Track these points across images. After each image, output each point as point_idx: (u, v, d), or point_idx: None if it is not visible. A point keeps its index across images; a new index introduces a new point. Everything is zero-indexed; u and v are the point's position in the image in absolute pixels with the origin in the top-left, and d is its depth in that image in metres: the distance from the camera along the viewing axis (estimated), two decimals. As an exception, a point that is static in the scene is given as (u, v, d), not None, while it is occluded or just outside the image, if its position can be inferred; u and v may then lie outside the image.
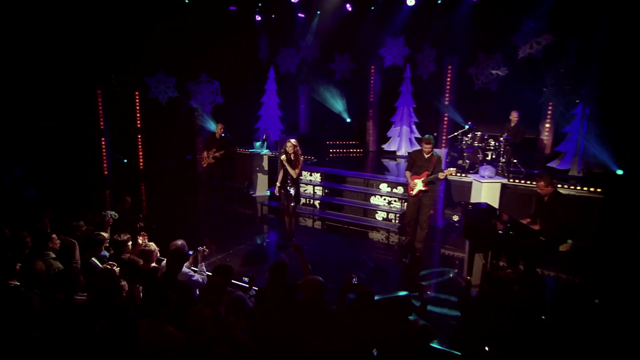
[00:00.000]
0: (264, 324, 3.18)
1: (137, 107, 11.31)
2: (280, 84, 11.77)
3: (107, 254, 4.64)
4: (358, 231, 7.18)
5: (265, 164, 9.44)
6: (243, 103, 11.78)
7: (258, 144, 9.59)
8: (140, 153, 11.52)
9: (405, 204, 7.00)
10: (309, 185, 8.52)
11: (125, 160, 11.38)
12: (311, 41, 11.67)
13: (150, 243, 4.48)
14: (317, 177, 8.74)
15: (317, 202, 8.30)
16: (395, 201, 7.71)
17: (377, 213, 7.70)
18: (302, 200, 8.31)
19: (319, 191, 8.50)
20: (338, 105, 12.45)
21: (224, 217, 8.11)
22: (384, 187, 8.03)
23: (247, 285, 4.10)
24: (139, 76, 10.65)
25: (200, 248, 4.51)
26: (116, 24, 9.62)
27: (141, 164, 11.65)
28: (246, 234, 7.05)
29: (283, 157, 6.12)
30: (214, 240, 6.80)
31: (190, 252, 4.52)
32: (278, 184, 6.17)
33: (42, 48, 8.80)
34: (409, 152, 8.47)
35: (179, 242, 4.37)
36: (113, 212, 5.41)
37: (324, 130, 12.58)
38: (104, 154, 10.79)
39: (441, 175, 5.76)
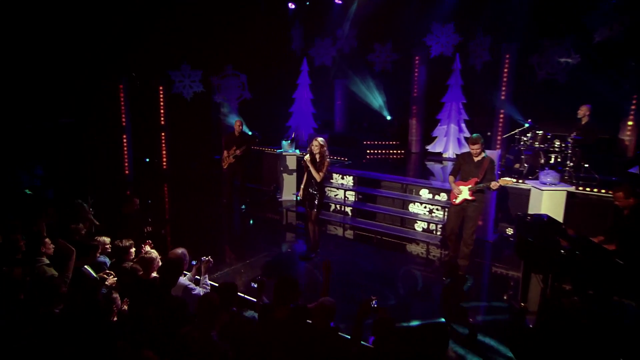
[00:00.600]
0: (263, 351, 2.95)
1: (161, 103, 11.50)
2: (314, 78, 11.76)
3: (107, 260, 4.53)
4: (393, 243, 7.00)
5: (293, 165, 9.33)
6: (273, 99, 11.77)
7: (286, 143, 9.38)
8: (164, 152, 11.70)
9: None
10: (339, 190, 8.40)
11: (148, 160, 11.61)
12: (348, 30, 11.51)
13: (152, 250, 4.33)
14: (349, 180, 8.59)
15: (348, 209, 8.19)
16: (437, 210, 7.48)
17: (416, 223, 7.49)
18: (332, 207, 8.29)
19: (350, 196, 8.36)
20: (377, 101, 12.28)
21: (244, 223, 8.12)
22: (424, 193, 7.80)
23: (257, 290, 3.85)
24: (163, 70, 10.81)
25: (204, 258, 4.37)
26: (139, 14, 9.75)
27: (164, 163, 11.82)
28: (267, 242, 6.99)
29: (307, 157, 5.98)
30: (231, 249, 6.79)
31: (194, 262, 4.42)
32: (302, 187, 6.08)
33: (62, 42, 8.96)
34: (457, 154, 8.26)
35: (179, 250, 4.13)
36: (87, 201, 5.40)
37: (362, 129, 12.66)
38: (125, 152, 11.00)
39: (494, 185, 5.38)
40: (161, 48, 10.34)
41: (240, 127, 8.49)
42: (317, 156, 5.88)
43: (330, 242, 7.01)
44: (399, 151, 11.21)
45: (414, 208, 7.72)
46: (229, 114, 11.14)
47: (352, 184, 8.50)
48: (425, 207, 7.59)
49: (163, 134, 11.66)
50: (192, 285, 4.17)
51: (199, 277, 4.45)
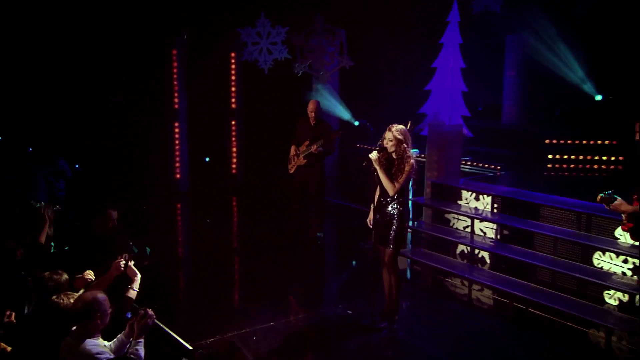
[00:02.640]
0: None
1: (232, 77, 11.93)
2: (469, 34, 11.59)
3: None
4: (555, 323, 6.53)
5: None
6: (390, 69, 11.75)
7: None
8: (234, 149, 12.11)
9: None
10: (468, 219, 8.33)
11: (208, 159, 12.01)
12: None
13: (63, 273, 4.62)
14: (486, 203, 8.30)
15: (485, 254, 8.01)
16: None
17: (607, 291, 6.92)
18: (458, 248, 8.28)
19: (489, 231, 8.19)
20: (577, 71, 11.29)
21: (293, 262, 8.36)
22: (625, 235, 6.96)
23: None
24: (231, 27, 11.11)
25: (142, 310, 4.28)
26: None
27: (234, 164, 12.15)
28: (313, 294, 7.18)
29: (373, 154, 5.86)
30: (252, 300, 7.02)
31: (129, 315, 4.51)
32: (372, 206, 6.15)
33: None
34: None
35: (91, 295, 4.09)
36: (51, 206, 5.75)
37: (553, 117, 12.21)
38: (178, 147, 11.50)
39: None
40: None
41: (317, 111, 8.58)
42: (393, 154, 5.87)
43: (435, 308, 6.92)
44: (614, 160, 10.51)
45: (602, 261, 7.12)
46: (317, 91, 11.25)
47: (491, 209, 8.30)
48: (625, 262, 6.89)
49: (234, 122, 12.07)
50: (100, 349, 4.02)
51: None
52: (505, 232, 7.96)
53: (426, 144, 8.96)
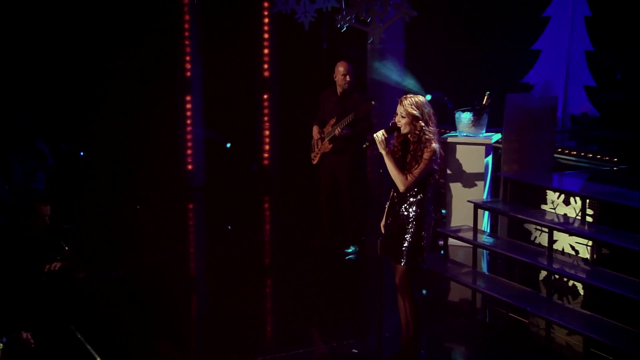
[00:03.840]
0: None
1: (265, 35, 11.72)
2: None
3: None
4: None
5: (476, 166, 9.32)
6: (479, 21, 11.73)
7: (466, 117, 9.29)
8: (266, 132, 12.06)
9: None
10: (550, 230, 8.06)
11: (229, 145, 11.99)
12: None
13: None
14: (577, 208, 8.19)
15: (577, 285, 7.92)
16: None
17: None
18: (543, 273, 8.28)
19: (582, 249, 8.06)
20: None
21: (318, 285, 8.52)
22: None
23: None
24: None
25: (20, 336, 4.73)
26: None
27: (266, 152, 12.02)
28: (322, 328, 7.32)
29: (379, 134, 5.92)
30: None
31: (4, 340, 4.75)
32: (387, 207, 6.34)
33: None
34: None
35: None
36: None
37: None
38: (189, 128, 11.45)
39: None
40: None
41: (348, 77, 8.59)
42: (410, 137, 5.92)
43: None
44: None
45: None
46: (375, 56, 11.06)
47: (582, 217, 8.09)
48: None
49: (266, 96, 11.89)
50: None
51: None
52: (604, 251, 7.70)
53: (503, 125, 8.85)
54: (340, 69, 8.61)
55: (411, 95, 5.97)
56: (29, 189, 9.66)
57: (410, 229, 5.91)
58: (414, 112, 5.80)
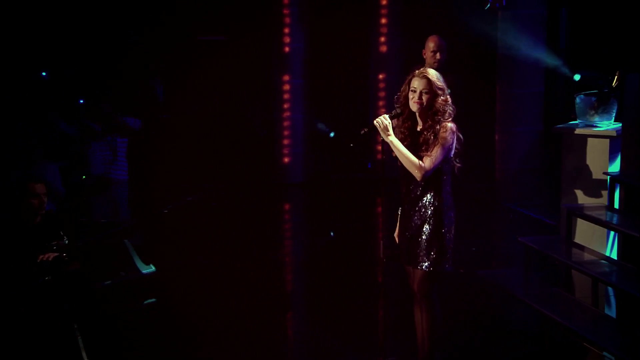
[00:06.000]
0: None
1: (383, 2, 11.51)
2: None
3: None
4: None
5: (598, 165, 8.91)
6: None
7: (581, 103, 9.05)
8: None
9: None
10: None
11: (333, 135, 11.85)
12: None
13: None
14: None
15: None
16: None
17: None
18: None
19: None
20: None
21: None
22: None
23: None
24: None
25: None
26: None
27: (380, 146, 11.55)
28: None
29: (381, 119, 5.88)
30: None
31: None
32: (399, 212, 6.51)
33: None
34: None
35: None
36: None
37: None
38: (287, 114, 11.31)
39: None
40: None
41: (437, 57, 8.17)
42: (419, 119, 6.06)
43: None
44: None
45: None
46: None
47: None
48: None
49: (382, 76, 11.68)
50: None
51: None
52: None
53: (623, 106, 8.27)
54: (431, 44, 8.08)
55: (428, 68, 5.77)
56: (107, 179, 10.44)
57: (428, 224, 5.78)
58: (442, 85, 5.70)
